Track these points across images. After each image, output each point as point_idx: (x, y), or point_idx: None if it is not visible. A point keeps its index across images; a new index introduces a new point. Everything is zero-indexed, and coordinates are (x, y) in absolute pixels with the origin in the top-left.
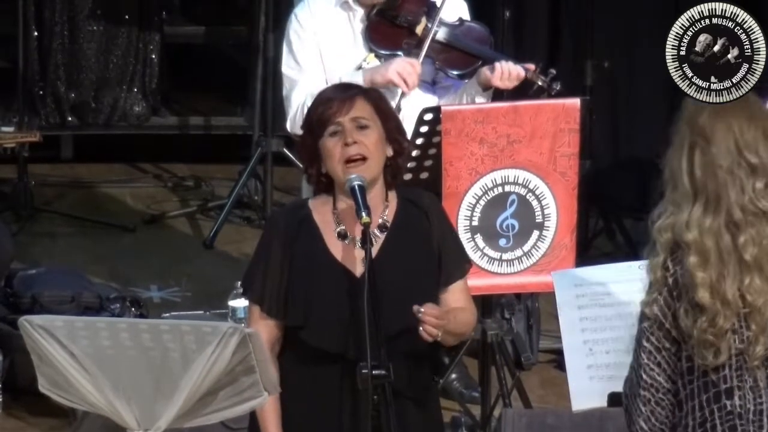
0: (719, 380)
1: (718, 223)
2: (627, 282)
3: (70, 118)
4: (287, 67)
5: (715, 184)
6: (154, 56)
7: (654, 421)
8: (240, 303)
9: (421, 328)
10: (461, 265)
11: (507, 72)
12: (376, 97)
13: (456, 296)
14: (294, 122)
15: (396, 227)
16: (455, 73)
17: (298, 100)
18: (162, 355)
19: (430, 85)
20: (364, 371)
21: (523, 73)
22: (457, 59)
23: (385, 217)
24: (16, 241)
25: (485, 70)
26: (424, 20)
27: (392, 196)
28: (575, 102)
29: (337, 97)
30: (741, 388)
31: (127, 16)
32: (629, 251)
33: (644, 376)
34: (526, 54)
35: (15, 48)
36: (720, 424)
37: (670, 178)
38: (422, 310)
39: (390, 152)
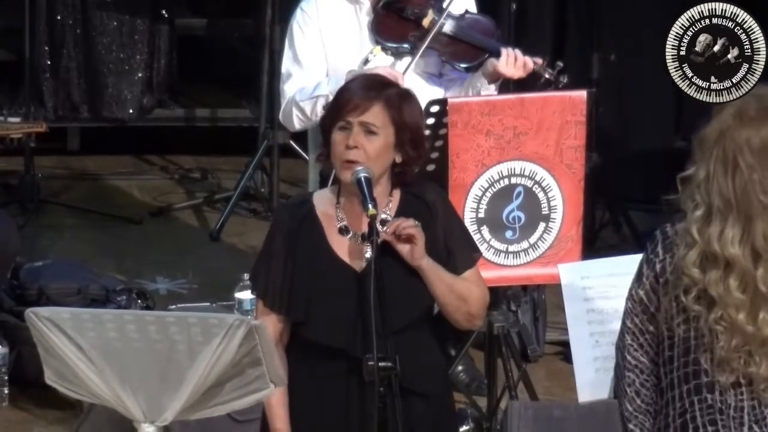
0: (700, 373)
1: (747, 248)
2: (633, 274)
3: (76, 110)
4: (286, 59)
5: (750, 208)
6: (161, 48)
7: (639, 403)
8: (246, 295)
9: (407, 245)
10: (470, 254)
11: (513, 57)
12: (397, 104)
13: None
14: (284, 115)
15: None
16: (462, 65)
17: (289, 94)
18: (168, 347)
19: (437, 77)
20: (370, 363)
21: (531, 64)
22: (463, 52)
23: (387, 213)
24: (23, 233)
25: (492, 61)
26: (431, 13)
27: (396, 192)
28: (582, 94)
29: (357, 94)
30: (722, 383)
31: (134, 8)
32: (635, 243)
33: (628, 357)
34: (532, 47)
35: (22, 40)
36: (700, 416)
37: (710, 188)
38: (384, 230)
39: (398, 159)
